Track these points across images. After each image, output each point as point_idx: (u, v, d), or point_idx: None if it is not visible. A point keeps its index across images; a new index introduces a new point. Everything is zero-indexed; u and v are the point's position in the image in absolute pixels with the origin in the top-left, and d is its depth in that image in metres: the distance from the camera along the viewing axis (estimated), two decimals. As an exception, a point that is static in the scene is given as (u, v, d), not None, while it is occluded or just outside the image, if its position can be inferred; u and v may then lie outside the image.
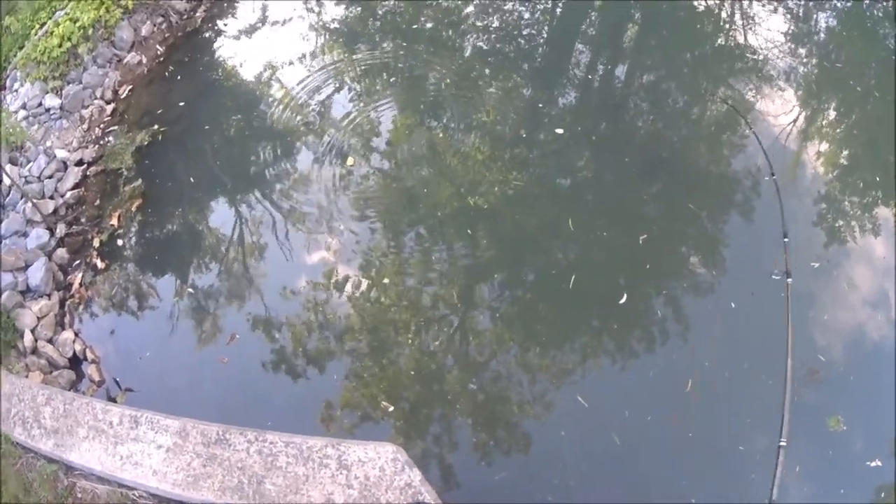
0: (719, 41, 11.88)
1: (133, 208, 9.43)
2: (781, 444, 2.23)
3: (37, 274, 8.82)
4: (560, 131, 9.90)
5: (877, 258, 8.84)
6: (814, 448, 7.31)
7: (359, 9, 12.03)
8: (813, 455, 7.26)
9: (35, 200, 9.47)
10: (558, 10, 12.55)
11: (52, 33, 11.16)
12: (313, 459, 6.45)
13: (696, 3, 12.46)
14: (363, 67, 10.85)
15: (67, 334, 8.49)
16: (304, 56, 11.11)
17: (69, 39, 11.00)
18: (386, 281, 8.48)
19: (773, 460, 6.81)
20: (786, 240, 7.32)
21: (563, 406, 7.54)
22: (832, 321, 8.25)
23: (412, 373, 7.80)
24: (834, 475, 7.22)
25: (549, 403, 7.60)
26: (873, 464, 7.15)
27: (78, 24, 11.08)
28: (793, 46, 11.54)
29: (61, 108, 10.63)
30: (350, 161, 9.59)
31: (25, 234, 9.33)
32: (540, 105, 10.35)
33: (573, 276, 8.38)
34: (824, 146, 10.29)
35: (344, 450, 6.48)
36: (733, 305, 8.25)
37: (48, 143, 10.24)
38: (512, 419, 7.51)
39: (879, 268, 8.82)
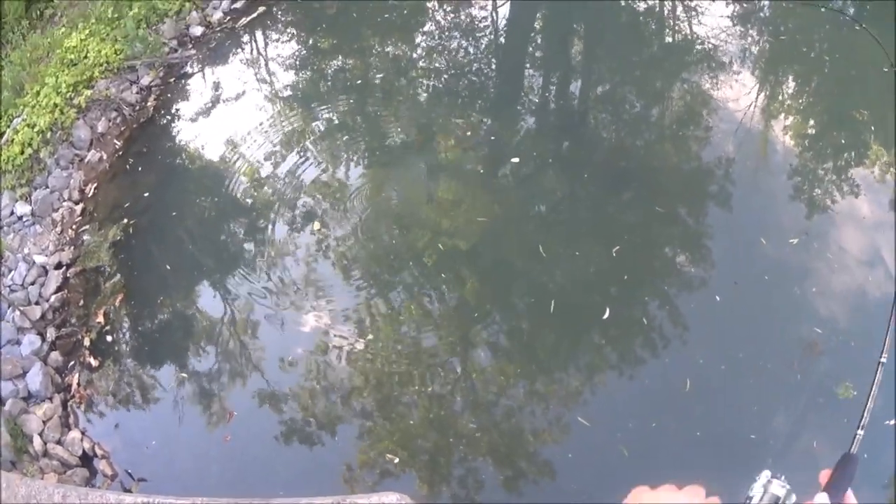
0: (666, 38, 12.22)
1: (116, 303, 9.60)
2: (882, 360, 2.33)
3: (35, 379, 9.01)
4: (516, 160, 10.10)
5: (861, 218, 9.05)
6: (828, 418, 7.47)
7: (308, 73, 12.32)
8: (829, 425, 7.42)
9: (22, 308, 9.66)
10: (501, 39, 12.87)
11: (12, 141, 11.36)
12: (321, 518, 6.66)
13: (635, 5, 12.77)
14: (321, 129, 11.10)
15: (74, 434, 8.67)
16: (262, 127, 11.31)
17: (30, 145, 11.19)
18: (381, 336, 8.64)
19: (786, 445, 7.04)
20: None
21: (565, 430, 7.67)
22: (823, 292, 8.44)
23: (418, 420, 7.95)
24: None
25: (550, 430, 7.71)
26: (891, 422, 7.17)
27: (36, 129, 11.28)
28: (740, 29, 11.90)
29: (33, 213, 10.82)
30: (316, 225, 9.81)
31: (18, 342, 9.50)
32: (493, 138, 10.58)
33: (552, 301, 8.54)
34: (789, 120, 10.56)
35: (349, 504, 6.70)
36: (718, 298, 8.44)
37: (26, 251, 10.44)
38: (516, 451, 7.63)
39: (867, 226, 9.03)
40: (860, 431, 2.27)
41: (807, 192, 9.54)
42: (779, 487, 1.74)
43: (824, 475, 1.85)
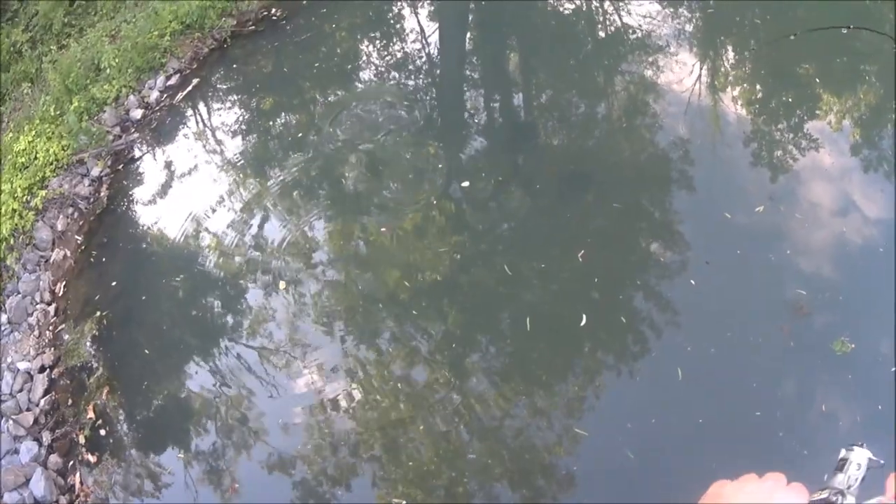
0: (599, 34, 12.42)
1: (104, 396, 9.63)
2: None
3: (38, 485, 9.02)
4: (465, 184, 10.22)
5: (825, 169, 9.19)
6: (830, 376, 7.54)
7: (255, 135, 12.40)
8: (832, 383, 7.52)
9: (14, 417, 9.72)
10: (437, 71, 13.01)
11: (-23, 254, 11.49)
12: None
13: (561, 8, 12.94)
14: (277, 190, 11.17)
15: (87, 535, 8.78)
16: (219, 198, 11.39)
17: (-5, 255, 11.33)
18: (375, 382, 8.67)
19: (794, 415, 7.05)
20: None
21: (563, 443, 7.71)
22: (797, 252, 8.51)
23: (428, 458, 7.96)
24: (862, 392, 7.41)
25: (551, 446, 7.74)
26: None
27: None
28: (670, 10, 12.08)
29: (9, 321, 10.84)
30: (282, 285, 9.89)
31: (17, 451, 9.54)
32: (440, 165, 10.67)
33: (528, 318, 8.59)
34: (736, 90, 10.72)
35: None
36: (693, 282, 8.53)
37: (8, 360, 10.47)
38: (522, 473, 7.68)
39: (833, 176, 9.18)
40: None
41: (766, 157, 9.65)
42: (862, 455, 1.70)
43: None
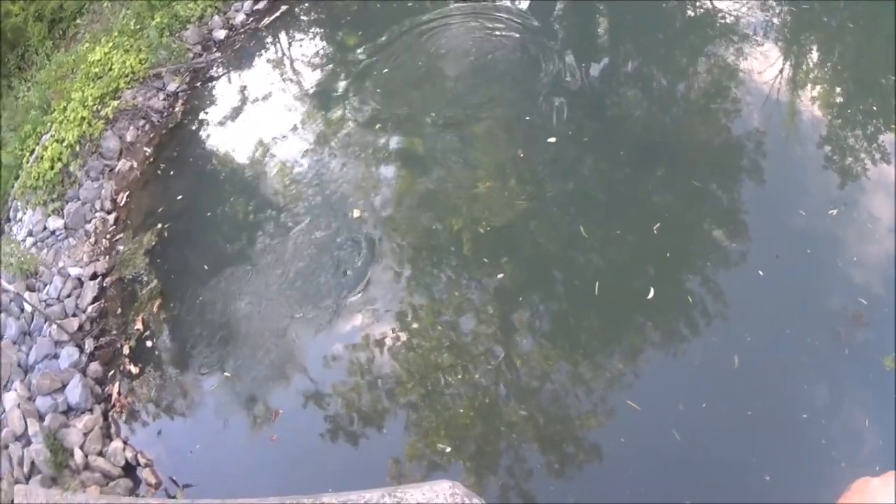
0: (688, 13, 11.87)
1: (155, 309, 9.47)
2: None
3: (75, 391, 8.85)
4: (552, 140, 9.86)
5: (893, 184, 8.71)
6: (878, 390, 7.15)
7: (334, 69, 12.07)
8: (880, 398, 7.10)
9: (59, 321, 9.52)
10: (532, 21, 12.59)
11: (42, 158, 11.32)
12: (372, 511, 6.41)
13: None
14: (351, 126, 10.84)
15: (116, 444, 8.47)
16: (293, 126, 11.14)
17: (59, 160, 11.16)
18: (423, 326, 8.41)
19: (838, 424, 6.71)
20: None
21: (615, 414, 7.41)
22: (863, 261, 8.12)
23: (467, 411, 7.69)
24: None
25: (600, 415, 7.46)
26: None
27: (65, 144, 11.24)
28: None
29: (66, 227, 10.74)
30: (356, 213, 9.59)
31: (56, 356, 9.36)
32: (527, 118, 10.32)
33: (597, 283, 8.30)
34: (816, 90, 10.25)
35: (401, 496, 6.38)
36: (761, 273, 8.14)
37: (60, 264, 10.33)
38: (569, 436, 7.38)
39: None
40: None
41: (838, 162, 9.21)
42: None
43: None
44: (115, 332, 9.50)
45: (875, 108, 9.87)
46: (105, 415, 8.87)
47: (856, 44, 10.87)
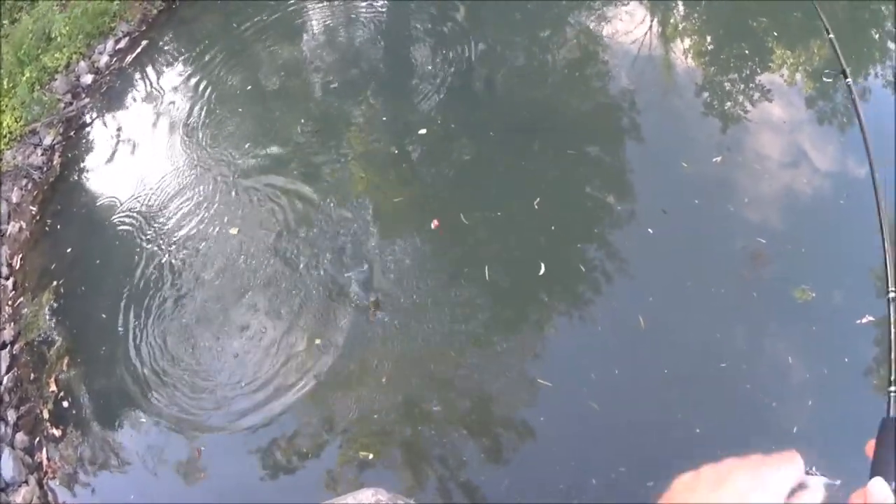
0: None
1: (65, 367, 9.51)
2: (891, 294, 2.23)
3: (7, 466, 8.87)
4: (423, 131, 10.04)
5: (777, 121, 9.04)
6: (794, 326, 7.38)
7: (203, 92, 12.08)
8: (797, 334, 7.35)
9: (-23, 398, 9.58)
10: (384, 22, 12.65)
11: (-68, 234, 11.27)
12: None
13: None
14: (229, 148, 10.93)
15: (56, 510, 8.62)
16: (172, 159, 11.17)
17: (-50, 234, 11.11)
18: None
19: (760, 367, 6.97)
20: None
21: (529, 394, 7.55)
22: (756, 201, 8.34)
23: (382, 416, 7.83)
24: (827, 344, 7.28)
25: (514, 398, 7.57)
26: (864, 320, 7.13)
27: (-46, 217, 11.21)
28: None
29: (-34, 300, 10.74)
30: (234, 231, 9.78)
31: (-20, 434, 9.44)
32: (384, 119, 10.51)
33: (486, 267, 8.43)
34: (686, 41, 10.54)
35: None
36: (651, 231, 8.33)
37: (-31, 339, 10.35)
38: (487, 425, 7.50)
39: (784, 130, 9.02)
40: (893, 389, 2.08)
41: (717, 108, 9.50)
42: None
43: (870, 447, 1.57)
44: (32, 398, 9.53)
45: (748, 52, 10.12)
46: (40, 483, 8.93)
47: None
